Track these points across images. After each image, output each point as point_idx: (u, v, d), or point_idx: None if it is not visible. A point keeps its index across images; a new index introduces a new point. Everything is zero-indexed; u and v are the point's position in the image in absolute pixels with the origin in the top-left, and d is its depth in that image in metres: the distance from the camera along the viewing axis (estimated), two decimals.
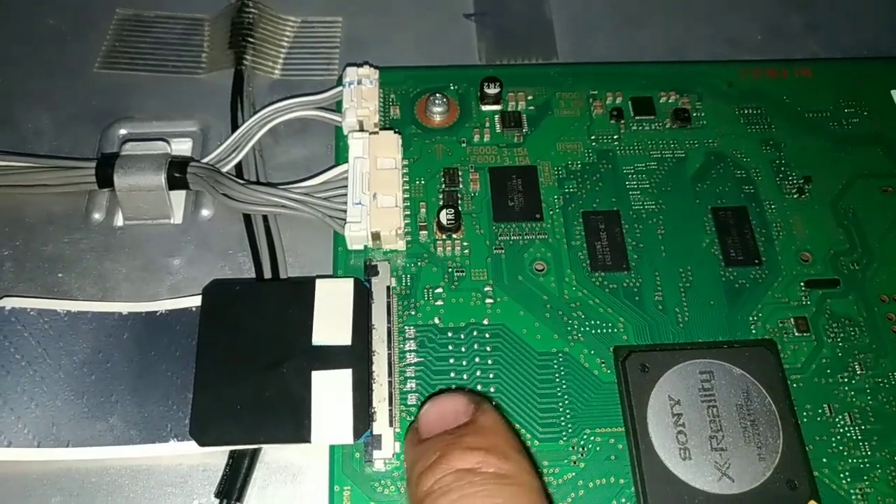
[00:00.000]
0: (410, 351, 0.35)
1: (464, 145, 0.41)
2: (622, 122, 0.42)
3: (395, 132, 0.39)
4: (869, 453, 0.33)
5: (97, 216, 0.39)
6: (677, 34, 0.48)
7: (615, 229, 0.38)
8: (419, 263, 0.37)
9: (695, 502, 0.31)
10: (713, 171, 0.41)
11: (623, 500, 0.32)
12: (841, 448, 0.33)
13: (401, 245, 0.37)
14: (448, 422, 0.30)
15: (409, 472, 0.30)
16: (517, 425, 0.33)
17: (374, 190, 0.37)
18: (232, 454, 0.33)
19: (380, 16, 0.48)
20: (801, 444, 0.33)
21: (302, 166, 0.41)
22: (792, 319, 0.36)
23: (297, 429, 0.32)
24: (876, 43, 0.48)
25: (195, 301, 0.35)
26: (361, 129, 0.40)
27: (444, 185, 0.39)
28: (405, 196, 0.39)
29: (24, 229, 0.39)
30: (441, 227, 0.38)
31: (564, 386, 0.34)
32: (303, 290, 0.35)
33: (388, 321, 0.35)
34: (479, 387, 0.34)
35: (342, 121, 0.40)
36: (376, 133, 0.39)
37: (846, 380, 0.35)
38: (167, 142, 0.40)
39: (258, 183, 0.39)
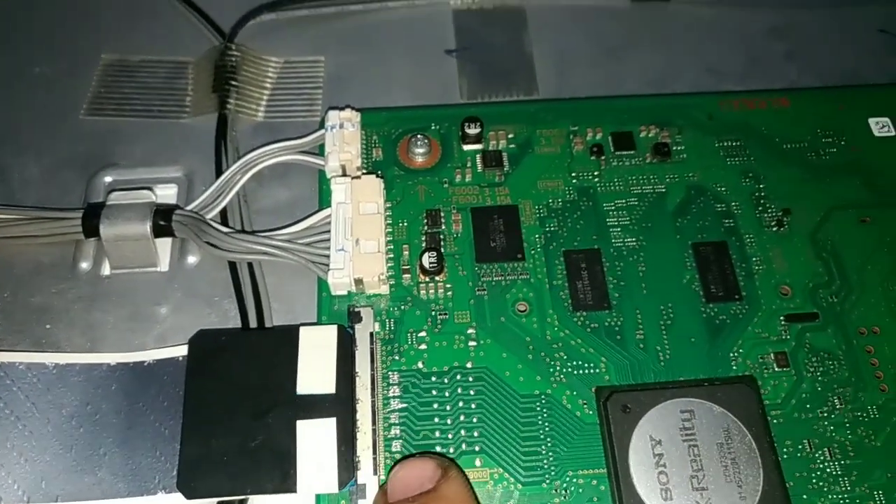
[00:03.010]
0: (394, 397, 0.35)
1: (446, 186, 0.41)
2: (602, 157, 0.42)
3: (378, 176, 0.39)
4: (849, 488, 0.34)
5: (84, 265, 0.40)
6: (658, 65, 0.49)
7: (596, 268, 0.39)
8: (402, 307, 0.38)
9: None
10: (693, 205, 0.41)
11: None
12: (821, 484, 0.34)
13: (384, 289, 0.38)
14: (413, 487, 0.30)
15: None
16: (500, 469, 0.34)
17: (356, 235, 0.37)
18: None
19: (362, 54, 0.48)
20: (781, 482, 0.33)
21: (286, 210, 0.42)
22: (772, 354, 0.37)
23: (283, 479, 0.32)
24: (856, 70, 0.48)
25: (182, 350, 0.36)
26: (344, 174, 0.40)
27: (426, 227, 0.40)
28: (388, 239, 0.39)
29: (13, 280, 0.39)
30: (424, 271, 0.38)
31: (547, 428, 0.35)
32: (287, 338, 0.35)
33: (372, 368, 0.35)
34: (462, 431, 0.35)
35: (325, 165, 0.40)
36: (359, 178, 0.39)
37: (826, 414, 0.35)
38: (152, 189, 0.40)
39: (242, 231, 0.40)
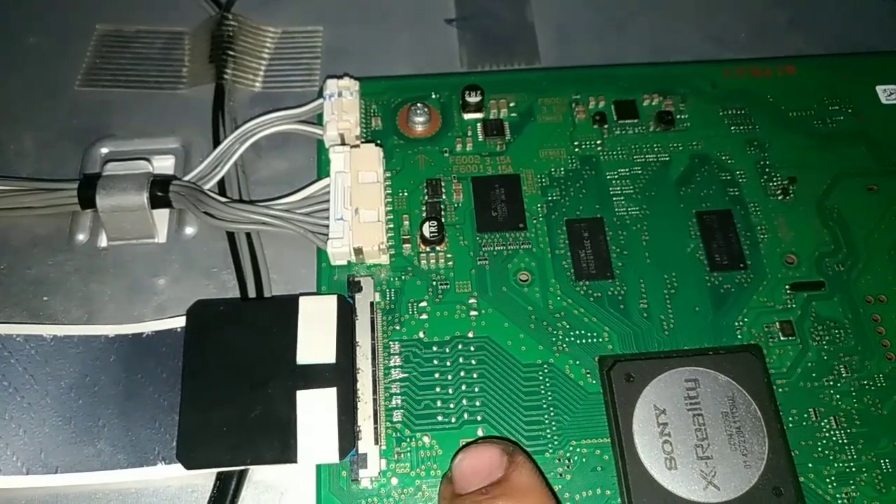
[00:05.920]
0: (395, 367, 0.35)
1: (446, 155, 0.41)
2: (605, 126, 0.42)
3: (377, 145, 0.39)
4: (854, 457, 0.33)
5: (81, 237, 0.39)
6: (661, 35, 0.48)
7: (599, 237, 0.38)
8: (403, 277, 0.37)
9: None
10: (697, 174, 0.40)
11: None
12: (826, 452, 0.34)
13: (384, 259, 0.37)
14: (482, 477, 0.29)
15: None
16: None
17: (356, 205, 0.37)
18: (219, 475, 0.33)
19: (361, 23, 0.48)
20: (786, 450, 0.33)
21: (284, 180, 0.41)
22: (777, 323, 0.36)
23: (283, 449, 0.32)
24: (861, 38, 0.48)
25: (180, 322, 0.35)
26: (343, 143, 0.40)
27: (426, 197, 0.39)
28: (388, 209, 0.39)
29: (9, 252, 0.39)
30: (424, 240, 0.38)
31: (550, 398, 0.34)
32: (286, 308, 0.35)
33: (373, 337, 0.35)
34: (464, 401, 0.34)
35: (323, 134, 0.40)
36: (357, 147, 0.39)
37: (832, 383, 0.35)
38: (149, 160, 0.40)
39: (240, 201, 0.39)
